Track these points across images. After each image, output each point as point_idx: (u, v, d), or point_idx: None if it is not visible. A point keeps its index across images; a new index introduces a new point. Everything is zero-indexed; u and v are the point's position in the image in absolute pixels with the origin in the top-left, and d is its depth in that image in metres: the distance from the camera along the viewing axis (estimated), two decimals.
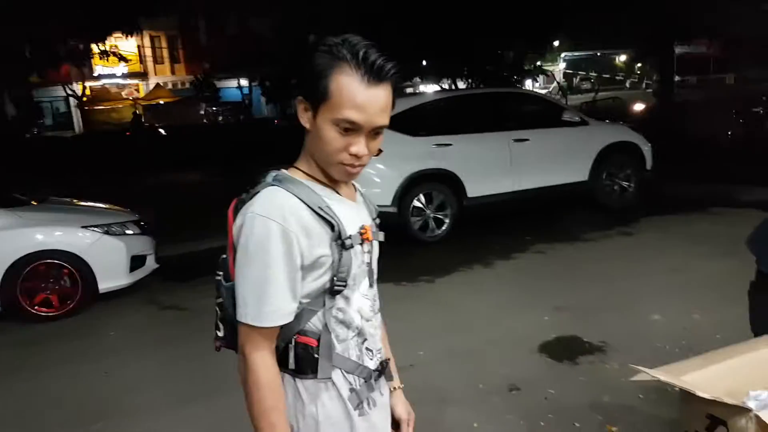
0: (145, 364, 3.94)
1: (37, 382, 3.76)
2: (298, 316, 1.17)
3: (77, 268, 4.85)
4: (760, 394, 1.39)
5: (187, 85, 28.51)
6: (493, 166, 6.71)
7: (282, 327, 1.15)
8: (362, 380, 1.24)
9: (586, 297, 4.49)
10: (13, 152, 12.49)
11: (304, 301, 1.17)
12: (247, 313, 1.12)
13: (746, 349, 1.65)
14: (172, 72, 34.30)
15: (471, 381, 3.32)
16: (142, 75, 32.83)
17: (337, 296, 1.20)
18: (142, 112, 27.03)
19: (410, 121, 6.35)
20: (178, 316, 4.84)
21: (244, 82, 27.31)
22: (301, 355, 1.18)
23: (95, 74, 29.53)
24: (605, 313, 4.13)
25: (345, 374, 1.22)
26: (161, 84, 31.38)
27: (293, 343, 1.18)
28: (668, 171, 8.17)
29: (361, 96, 1.09)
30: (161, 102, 28.38)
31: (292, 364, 1.18)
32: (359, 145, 1.13)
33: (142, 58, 32.42)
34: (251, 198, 1.15)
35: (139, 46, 31.26)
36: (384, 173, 6.21)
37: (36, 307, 4.80)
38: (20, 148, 14.53)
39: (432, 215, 6.43)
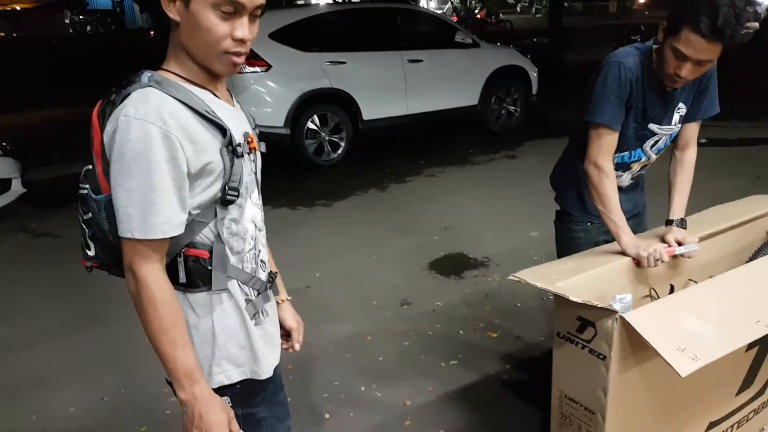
0: (19, 294, 3.68)
1: None
2: (188, 228, 1.10)
3: None
4: (624, 297, 1.55)
5: None
6: (388, 88, 6.61)
7: (170, 240, 1.07)
8: (256, 292, 1.24)
9: (472, 217, 4.72)
10: None
11: (194, 212, 1.11)
12: (132, 228, 1.03)
13: (609, 258, 1.82)
14: None
15: (365, 298, 3.44)
16: None
17: (230, 206, 1.15)
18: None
19: (301, 35, 6.06)
20: (52, 243, 4.52)
21: None
22: (192, 268, 1.13)
23: None
24: (489, 231, 4.39)
25: (240, 285, 1.21)
26: None
27: (182, 256, 1.12)
28: (552, 95, 8.58)
29: None
30: (18, 8, 24.79)
31: (183, 278, 1.12)
32: (243, 28, 1.04)
33: None
34: (122, 100, 1.03)
35: None
36: (275, 92, 5.92)
37: None
38: None
39: (327, 138, 6.32)
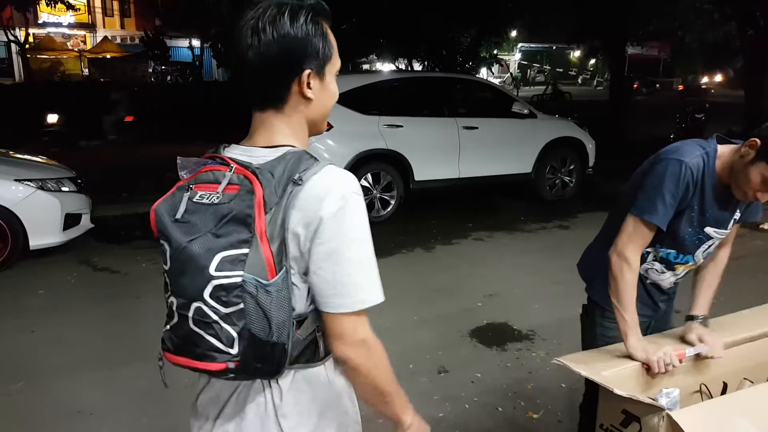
0: (72, 324, 3.83)
1: None
2: (314, 305, 1.09)
3: (7, 222, 4.66)
4: (671, 391, 1.47)
5: (137, 41, 27.20)
6: (441, 152, 6.78)
7: (302, 324, 1.05)
8: None
9: (519, 286, 4.63)
10: None
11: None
12: (365, 298, 1.04)
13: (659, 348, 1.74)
14: (122, 26, 32.66)
15: (400, 360, 3.38)
16: (90, 26, 31.09)
17: None
18: (87, 65, 25.64)
19: (362, 99, 6.34)
20: (111, 279, 4.71)
21: (196, 42, 26.28)
22: (324, 341, 1.10)
23: (40, 21, 27.73)
24: (537, 302, 4.28)
25: None
26: (109, 37, 29.83)
27: (319, 334, 1.08)
28: (609, 168, 8.46)
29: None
30: (108, 56, 26.98)
31: (322, 352, 1.09)
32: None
33: (90, 9, 30.70)
34: (297, 182, 1.00)
35: None
36: (333, 150, 6.16)
37: None
38: None
39: (378, 195, 6.46)
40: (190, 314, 1.00)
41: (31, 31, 25.21)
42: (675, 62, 35.79)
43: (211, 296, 0.97)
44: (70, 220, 5.00)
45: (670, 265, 1.84)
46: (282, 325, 0.99)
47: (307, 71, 1.04)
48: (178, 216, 1.02)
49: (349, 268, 1.02)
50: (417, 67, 14.07)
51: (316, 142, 6.05)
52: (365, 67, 18.97)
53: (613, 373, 1.58)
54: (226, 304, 0.97)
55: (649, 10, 13.57)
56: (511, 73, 27.44)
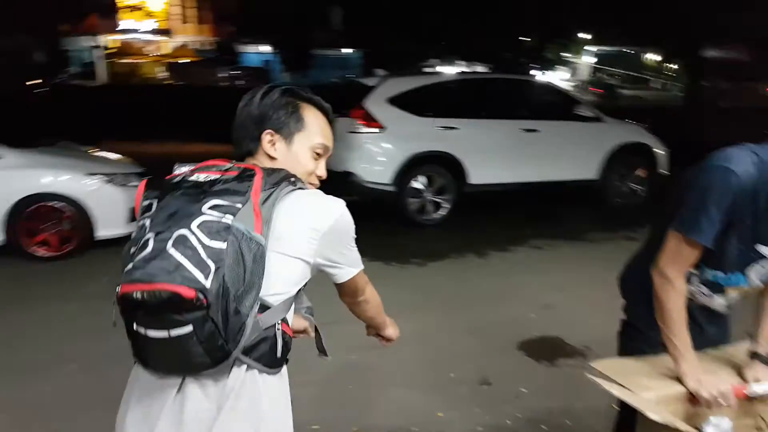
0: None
1: (30, 313, 3.88)
2: (287, 303, 1.15)
3: (77, 213, 4.91)
4: (721, 421, 1.28)
5: (211, 47, 28.43)
6: (498, 155, 6.55)
7: (265, 310, 1.10)
8: None
9: (577, 298, 4.36)
10: (38, 97, 12.45)
11: (295, 288, 1.18)
12: (361, 262, 1.30)
13: (715, 367, 1.52)
14: (199, 32, 34.14)
15: (442, 368, 3.23)
16: (167, 33, 32.70)
17: (301, 293, 1.26)
18: (165, 69, 26.98)
19: (417, 101, 6.23)
20: None
21: (266, 48, 27.15)
22: (283, 345, 1.14)
23: (120, 28, 29.42)
24: (595, 317, 3.97)
25: None
26: (186, 43, 31.26)
27: (279, 329, 1.13)
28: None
29: (327, 128, 1.32)
30: (184, 61, 28.32)
31: (279, 352, 1.13)
32: (323, 169, 1.33)
33: (168, 16, 32.31)
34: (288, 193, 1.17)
35: (167, 3, 31.14)
36: (386, 151, 6.09)
37: (35, 247, 4.90)
38: (47, 94, 14.54)
39: (431, 198, 6.30)
40: (171, 239, 1.02)
41: (112, 37, 26.83)
42: (761, 66, 33.44)
43: (198, 227, 1.03)
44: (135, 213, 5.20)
45: (718, 288, 1.60)
46: (250, 289, 1.04)
47: (268, 131, 1.25)
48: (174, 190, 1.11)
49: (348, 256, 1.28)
50: (477, 69, 13.83)
51: (368, 143, 6.00)
52: (427, 69, 18.88)
53: (657, 393, 1.40)
54: (210, 236, 1.02)
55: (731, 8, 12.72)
56: (582, 77, 26.59)
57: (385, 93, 6.14)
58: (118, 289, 1.01)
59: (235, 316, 1.02)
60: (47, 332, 3.64)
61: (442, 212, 6.34)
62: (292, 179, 1.18)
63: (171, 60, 28.69)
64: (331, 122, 1.34)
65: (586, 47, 35.28)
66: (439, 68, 18.94)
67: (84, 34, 24.18)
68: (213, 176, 1.11)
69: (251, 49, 28.97)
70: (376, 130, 6.00)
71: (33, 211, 4.85)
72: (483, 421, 2.76)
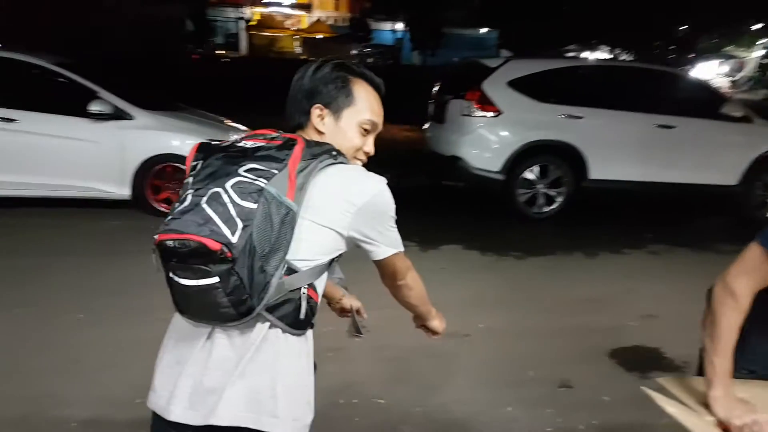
0: None
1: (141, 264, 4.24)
2: (316, 270, 1.19)
3: None
4: None
5: (344, 23, 29.16)
6: (626, 150, 6.07)
7: (292, 273, 1.15)
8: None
9: (687, 312, 3.97)
10: (182, 65, 13.60)
11: (326, 258, 1.21)
12: (401, 245, 1.29)
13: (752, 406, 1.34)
14: (336, 8, 35.19)
15: (521, 365, 3.14)
16: (307, 7, 34.04)
17: (334, 264, 1.27)
18: (301, 44, 28.22)
19: (541, 85, 5.95)
20: None
21: (400, 26, 27.32)
22: (308, 308, 1.18)
23: (264, 0, 31.09)
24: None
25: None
26: (322, 19, 32.38)
27: (304, 293, 1.17)
28: None
29: (377, 104, 1.33)
30: (319, 36, 29.38)
31: (302, 315, 1.17)
32: (371, 145, 1.35)
33: None
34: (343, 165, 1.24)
35: None
36: (501, 137, 5.92)
37: (159, 203, 5.37)
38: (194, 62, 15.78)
39: (543, 190, 6.04)
40: (206, 195, 1.10)
41: (256, 9, 28.39)
42: None
43: (232, 186, 1.10)
44: None
45: None
46: (277, 250, 1.10)
47: (318, 105, 1.28)
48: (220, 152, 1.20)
49: (390, 230, 1.27)
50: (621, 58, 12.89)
51: (481, 128, 5.87)
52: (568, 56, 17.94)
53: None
54: (242, 196, 1.08)
55: None
56: (747, 72, 23.67)
57: (505, 75, 5.94)
58: (156, 237, 1.09)
59: (260, 273, 1.08)
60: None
61: (554, 206, 6.06)
62: (334, 153, 1.21)
63: (306, 35, 29.90)
64: (382, 98, 1.34)
65: (758, 41, 31.40)
66: (580, 54, 17.96)
67: (229, 5, 25.81)
68: (258, 144, 1.18)
69: (385, 26, 29.34)
70: (492, 114, 5.84)
71: (160, 170, 5.31)
72: (554, 422, 2.66)
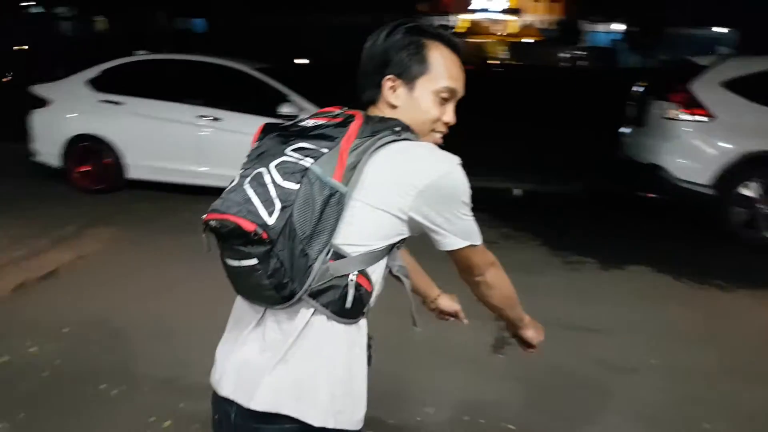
0: None
1: None
2: (368, 256, 1.11)
3: None
4: None
5: (553, 26, 28.01)
6: None
7: (339, 258, 1.08)
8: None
9: None
10: None
11: (383, 243, 1.12)
12: (478, 238, 1.18)
13: None
14: (548, 11, 34.02)
15: (697, 415, 2.61)
16: (517, 11, 33.47)
17: (394, 251, 1.18)
18: (507, 48, 27.85)
19: (766, 87, 4.95)
20: (431, 242, 5.02)
21: (617, 27, 25.38)
22: (357, 296, 1.11)
23: (471, 7, 31.34)
24: None
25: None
26: (531, 22, 31.56)
27: (353, 280, 1.09)
28: None
29: (455, 68, 1.20)
30: (527, 41, 28.69)
31: (349, 303, 1.10)
32: (451, 114, 1.21)
33: None
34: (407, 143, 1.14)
35: None
36: (712, 145, 5.03)
37: None
38: None
39: (766, 211, 4.99)
40: (250, 176, 1.07)
41: (463, 16, 28.77)
42: None
43: (276, 167, 1.06)
44: None
45: None
46: (320, 233, 1.04)
47: (389, 77, 1.17)
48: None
49: (463, 217, 1.15)
50: None
51: (688, 134, 5.09)
52: None
53: None
54: (284, 177, 1.05)
55: None
56: None
57: (720, 75, 5.07)
58: (203, 217, 1.08)
59: (302, 257, 1.03)
60: None
61: None
62: (398, 129, 1.11)
63: (514, 39, 29.39)
64: (462, 62, 1.21)
65: None
66: None
67: (437, 13, 26.56)
68: (320, 122, 1.12)
69: (600, 27, 27.49)
70: (702, 118, 5.03)
71: None
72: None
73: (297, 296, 1.06)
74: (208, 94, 5.93)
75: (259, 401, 1.10)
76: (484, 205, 6.20)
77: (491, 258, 1.24)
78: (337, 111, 1.16)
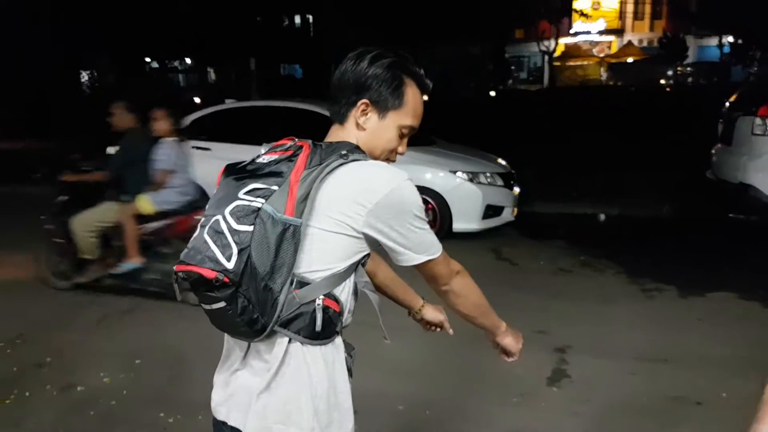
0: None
1: None
2: (335, 278, 1.17)
3: (439, 206, 5.51)
4: None
5: (655, 44, 26.54)
6: None
7: (303, 286, 1.15)
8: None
9: None
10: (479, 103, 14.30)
11: (345, 264, 1.18)
12: (437, 249, 1.24)
13: None
14: (651, 29, 32.41)
15: None
16: (618, 32, 32.20)
17: (359, 269, 1.23)
18: (606, 69, 26.85)
19: None
20: (505, 268, 4.97)
21: (726, 41, 23.60)
22: (326, 318, 1.16)
23: (572, 31, 30.59)
24: None
25: (343, 340, 1.26)
26: (633, 42, 30.21)
27: (319, 305, 1.15)
28: None
29: (420, 108, 1.29)
30: (629, 60, 27.46)
31: (319, 326, 1.16)
32: (404, 147, 1.31)
33: (622, 14, 31.77)
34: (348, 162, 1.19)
35: (621, 2, 30.70)
36: None
37: None
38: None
39: None
40: (208, 225, 1.14)
41: (562, 40, 28.12)
42: None
43: (230, 212, 1.12)
44: (491, 211, 5.55)
45: None
46: (280, 267, 1.11)
47: (365, 101, 1.23)
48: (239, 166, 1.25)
49: (413, 233, 1.20)
50: None
51: None
52: None
53: None
54: (238, 221, 1.11)
55: None
56: None
57: None
58: (174, 268, 1.16)
59: (266, 292, 1.11)
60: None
61: None
62: (344, 152, 1.16)
63: (614, 60, 28.24)
64: (426, 101, 1.30)
65: None
66: None
67: (534, 40, 26.10)
68: (273, 157, 1.19)
69: (709, 42, 25.72)
70: None
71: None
72: None
73: (269, 329, 1.13)
74: (289, 135, 6.30)
75: (251, 426, 1.20)
76: (562, 231, 6.03)
77: (456, 266, 1.27)
78: (289, 143, 1.23)
